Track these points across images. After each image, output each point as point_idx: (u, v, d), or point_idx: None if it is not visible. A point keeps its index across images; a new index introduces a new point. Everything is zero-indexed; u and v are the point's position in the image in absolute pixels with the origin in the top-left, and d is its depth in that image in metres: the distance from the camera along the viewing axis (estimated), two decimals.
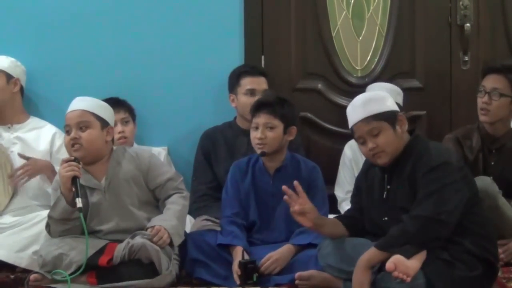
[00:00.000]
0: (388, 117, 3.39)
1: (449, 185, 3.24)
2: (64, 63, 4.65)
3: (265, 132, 3.86)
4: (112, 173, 3.82)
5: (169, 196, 3.85)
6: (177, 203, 3.82)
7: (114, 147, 3.92)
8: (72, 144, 3.75)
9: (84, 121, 3.76)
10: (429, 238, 3.23)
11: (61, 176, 3.67)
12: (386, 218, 3.42)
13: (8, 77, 4.42)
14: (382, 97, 3.47)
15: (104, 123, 3.81)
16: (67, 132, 3.80)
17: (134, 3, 4.66)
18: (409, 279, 3.14)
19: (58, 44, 4.65)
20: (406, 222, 3.24)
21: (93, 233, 3.79)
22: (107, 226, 3.81)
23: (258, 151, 3.90)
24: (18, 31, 4.64)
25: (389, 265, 3.16)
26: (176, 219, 3.76)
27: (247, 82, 4.40)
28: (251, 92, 4.37)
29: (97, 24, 4.65)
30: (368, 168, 3.59)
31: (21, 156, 4.22)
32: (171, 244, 3.71)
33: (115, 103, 4.29)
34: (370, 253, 3.27)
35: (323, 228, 3.51)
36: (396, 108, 3.46)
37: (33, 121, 4.50)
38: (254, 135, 3.89)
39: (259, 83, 4.40)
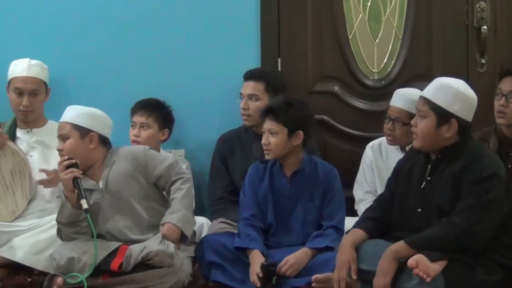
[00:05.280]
0: (440, 113, 3.36)
1: (493, 200, 3.26)
2: (82, 67, 4.67)
3: (268, 138, 3.87)
4: (108, 174, 3.86)
5: (173, 182, 3.86)
6: (180, 189, 3.83)
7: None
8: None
9: (63, 133, 3.84)
10: (461, 248, 3.23)
11: (62, 179, 3.74)
12: (419, 210, 3.42)
13: (46, 86, 4.43)
14: (456, 96, 3.38)
15: (83, 132, 3.83)
16: None
17: (152, 8, 4.68)
18: (429, 279, 3.14)
19: (76, 49, 4.66)
20: (443, 228, 3.25)
21: (102, 236, 3.83)
22: (109, 225, 3.84)
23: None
24: (39, 34, 4.65)
25: (411, 261, 3.17)
26: (183, 207, 3.77)
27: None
28: (240, 96, 4.42)
29: (116, 29, 4.67)
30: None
31: (43, 171, 4.19)
32: (184, 236, 3.72)
33: (141, 106, 4.34)
34: (399, 245, 3.27)
35: None
36: (462, 116, 3.38)
37: (52, 124, 4.46)
38: (262, 141, 3.92)
39: (245, 88, 4.42)
